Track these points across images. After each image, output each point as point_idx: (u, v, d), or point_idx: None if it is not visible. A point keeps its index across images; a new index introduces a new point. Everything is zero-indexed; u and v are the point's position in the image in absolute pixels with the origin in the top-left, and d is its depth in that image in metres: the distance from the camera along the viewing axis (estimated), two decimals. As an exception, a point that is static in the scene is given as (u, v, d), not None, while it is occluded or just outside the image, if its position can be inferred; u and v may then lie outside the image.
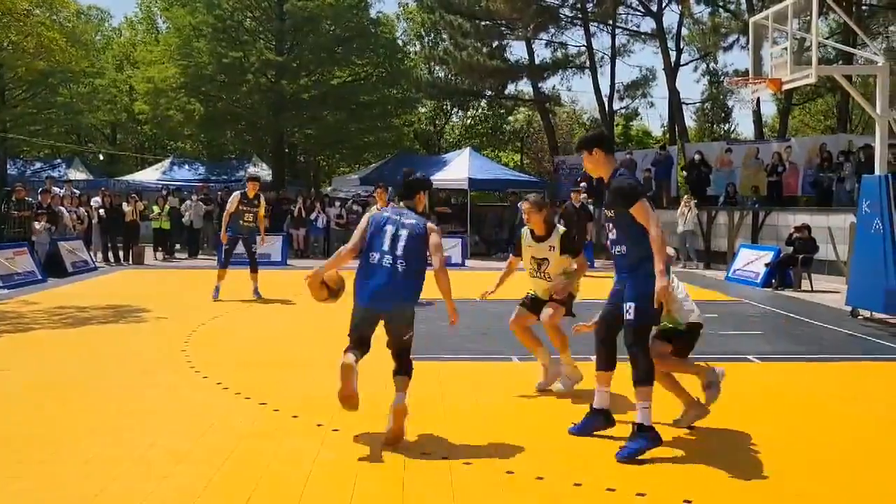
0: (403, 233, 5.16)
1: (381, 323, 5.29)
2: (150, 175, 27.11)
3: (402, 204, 5.49)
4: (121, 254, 19.13)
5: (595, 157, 5.14)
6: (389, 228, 5.18)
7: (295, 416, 5.62)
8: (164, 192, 21.91)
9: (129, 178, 27.51)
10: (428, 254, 5.27)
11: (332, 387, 6.38)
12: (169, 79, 27.09)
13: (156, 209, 20.22)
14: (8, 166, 29.95)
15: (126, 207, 19.15)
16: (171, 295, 12.90)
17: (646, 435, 4.84)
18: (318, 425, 5.41)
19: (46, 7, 14.89)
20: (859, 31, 12.83)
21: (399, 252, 5.12)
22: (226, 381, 6.65)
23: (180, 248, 21.61)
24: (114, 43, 40.90)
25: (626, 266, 5.06)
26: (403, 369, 5.26)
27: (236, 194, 12.42)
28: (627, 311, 4.96)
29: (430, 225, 5.30)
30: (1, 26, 15.12)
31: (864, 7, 21.80)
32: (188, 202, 21.20)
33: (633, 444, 4.84)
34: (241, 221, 12.26)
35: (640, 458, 4.76)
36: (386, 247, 5.13)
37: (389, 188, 12.98)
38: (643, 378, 4.93)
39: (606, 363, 5.23)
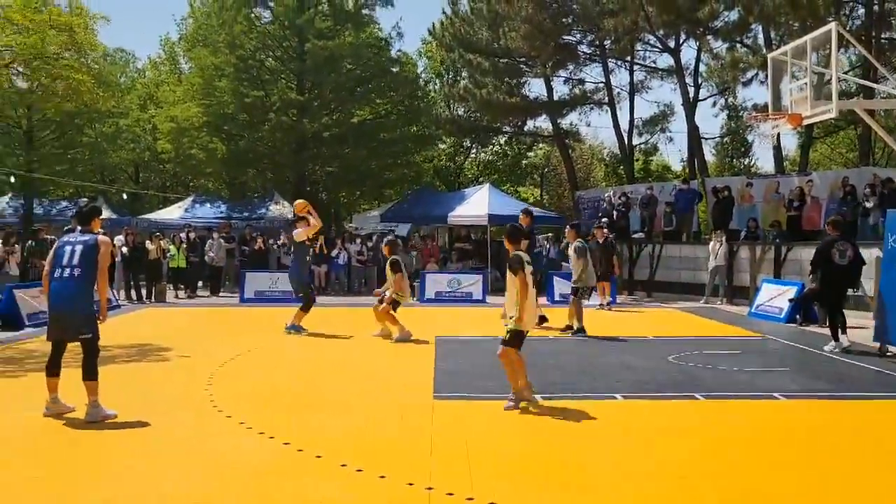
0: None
1: None
2: (172, 213, 27.39)
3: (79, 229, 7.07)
4: (143, 292, 19.27)
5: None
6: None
7: (318, 456, 5.60)
8: (187, 230, 22.11)
9: (151, 216, 27.81)
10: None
11: (354, 426, 6.40)
12: (192, 118, 27.54)
13: (172, 248, 20.33)
14: (34, 206, 30.37)
15: (149, 246, 19.34)
16: (194, 333, 12.95)
17: None
18: (342, 466, 5.38)
19: (75, 50, 15.23)
20: (879, 65, 12.83)
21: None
22: (249, 420, 6.64)
23: (202, 285, 21.74)
24: (138, 83, 41.61)
25: None
26: None
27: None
28: None
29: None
30: (32, 69, 15.44)
31: (883, 40, 21.77)
32: (210, 240, 21.38)
33: None
34: (308, 257, 13.40)
35: None
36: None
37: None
38: None
39: None
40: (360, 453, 5.64)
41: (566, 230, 13.64)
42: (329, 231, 26.97)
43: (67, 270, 6.75)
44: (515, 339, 7.20)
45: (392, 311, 12.23)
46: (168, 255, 20.16)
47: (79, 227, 7.20)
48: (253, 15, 28.26)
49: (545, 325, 13.11)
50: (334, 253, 22.03)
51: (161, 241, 19.86)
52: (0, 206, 30.77)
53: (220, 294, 21.08)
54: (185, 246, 20.76)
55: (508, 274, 7.30)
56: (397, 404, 7.35)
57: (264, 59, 28.54)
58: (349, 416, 6.81)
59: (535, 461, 5.58)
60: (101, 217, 7.53)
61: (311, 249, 13.36)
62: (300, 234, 12.78)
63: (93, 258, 6.79)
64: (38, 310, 13.90)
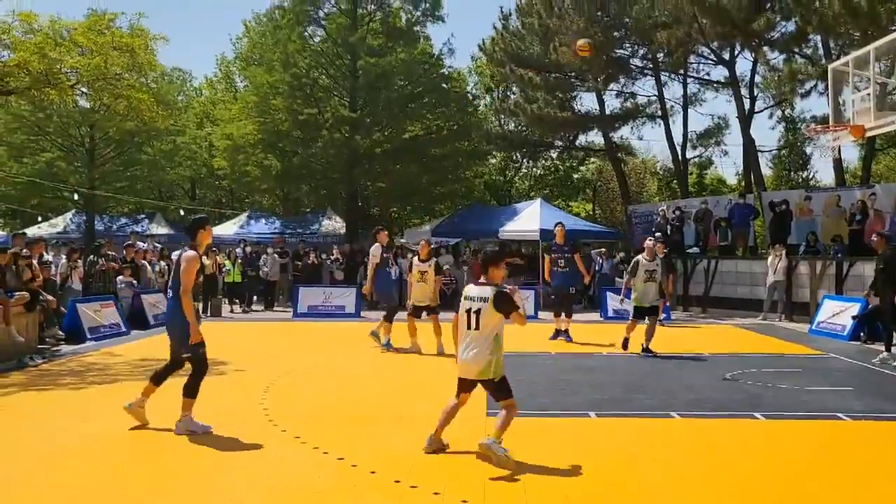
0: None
1: None
2: (228, 229, 27.90)
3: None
4: (200, 306, 19.60)
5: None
6: None
7: (373, 472, 5.59)
8: (242, 245, 22.47)
9: (208, 231, 28.32)
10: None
11: (409, 442, 6.38)
12: (247, 135, 28.06)
13: (227, 263, 20.68)
14: (95, 222, 31.25)
15: (205, 261, 19.66)
16: (249, 347, 13.11)
17: None
18: (396, 482, 5.37)
19: (136, 70, 15.65)
20: (945, 74, 12.43)
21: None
22: (304, 434, 6.68)
23: (257, 300, 22.04)
24: (194, 102, 42.60)
25: None
26: None
27: (377, 246, 12.77)
28: None
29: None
30: (95, 90, 15.90)
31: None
32: (264, 255, 21.68)
33: None
34: (387, 268, 13.11)
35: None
36: None
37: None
38: None
39: None
40: (415, 469, 5.63)
41: (647, 243, 12.56)
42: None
43: (171, 290, 6.87)
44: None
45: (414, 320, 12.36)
46: (224, 269, 20.49)
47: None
48: (306, 34, 28.71)
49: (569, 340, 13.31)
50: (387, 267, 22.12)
51: (217, 257, 20.21)
52: (63, 222, 31.71)
53: (275, 308, 21.35)
54: (240, 261, 21.08)
55: (492, 311, 5.97)
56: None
57: (317, 76, 28.94)
58: (403, 432, 6.80)
59: (591, 481, 5.49)
60: (207, 228, 7.21)
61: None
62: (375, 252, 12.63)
63: (179, 275, 6.83)
64: (100, 323, 14.28)
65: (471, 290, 6.15)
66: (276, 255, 21.88)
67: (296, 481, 5.41)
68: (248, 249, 22.14)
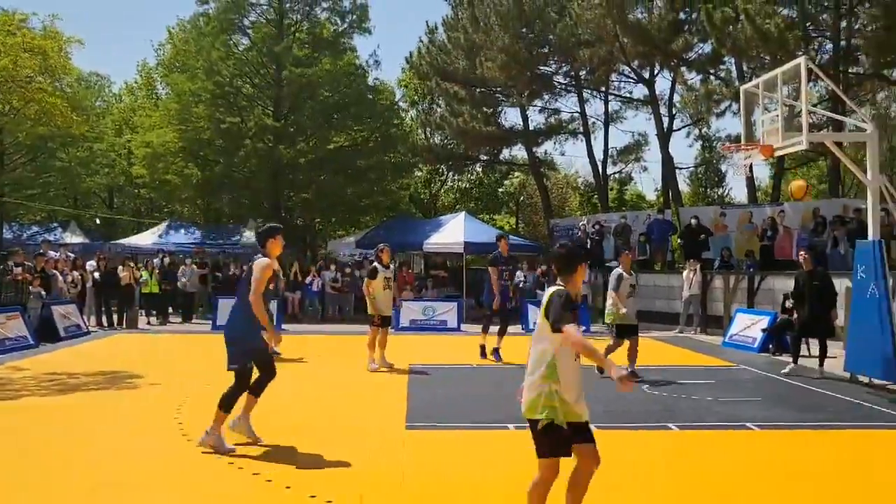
0: None
1: None
2: (146, 239, 27.15)
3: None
4: (115, 318, 19.01)
5: None
6: None
7: (288, 487, 5.50)
8: (161, 255, 21.92)
9: (125, 241, 27.53)
10: None
11: (325, 456, 6.30)
12: (167, 143, 27.41)
13: (144, 274, 20.11)
14: (4, 230, 29.98)
15: (121, 271, 19.10)
16: (165, 360, 12.75)
17: None
18: (312, 497, 5.29)
19: (49, 74, 15.11)
20: (847, 99, 13.04)
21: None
22: (218, 450, 6.53)
23: (174, 312, 21.49)
24: (113, 108, 41.44)
25: None
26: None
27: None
28: None
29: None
30: (3, 92, 15.29)
31: (850, 75, 22.22)
32: (183, 266, 21.18)
33: None
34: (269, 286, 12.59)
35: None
36: None
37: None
38: None
39: None
40: (331, 484, 5.56)
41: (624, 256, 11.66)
42: (304, 258, 26.90)
43: (237, 296, 6.85)
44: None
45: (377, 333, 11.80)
46: (141, 280, 19.90)
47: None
48: (231, 42, 28.29)
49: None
50: (308, 280, 21.93)
51: (134, 267, 19.63)
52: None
53: (193, 321, 20.84)
54: (157, 272, 20.53)
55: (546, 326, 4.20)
56: (369, 434, 7.26)
57: (241, 85, 28.53)
58: (320, 447, 6.71)
59: (506, 493, 5.52)
60: (277, 237, 7.00)
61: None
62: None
63: (245, 285, 6.73)
64: (4, 336, 13.67)
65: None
66: (194, 266, 21.40)
67: (209, 497, 5.27)
68: (167, 260, 21.59)
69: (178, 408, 8.39)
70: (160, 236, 27.00)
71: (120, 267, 19.37)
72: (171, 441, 6.89)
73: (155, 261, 21.23)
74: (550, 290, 4.27)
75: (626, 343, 11.10)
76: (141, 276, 19.87)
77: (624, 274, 11.12)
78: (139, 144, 29.85)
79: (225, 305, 19.02)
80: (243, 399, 6.79)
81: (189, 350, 14.52)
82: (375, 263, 11.91)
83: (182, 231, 28.16)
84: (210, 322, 19.11)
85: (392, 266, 12.18)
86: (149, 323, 20.00)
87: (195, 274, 21.22)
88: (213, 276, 22.27)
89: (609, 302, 11.29)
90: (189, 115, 26.94)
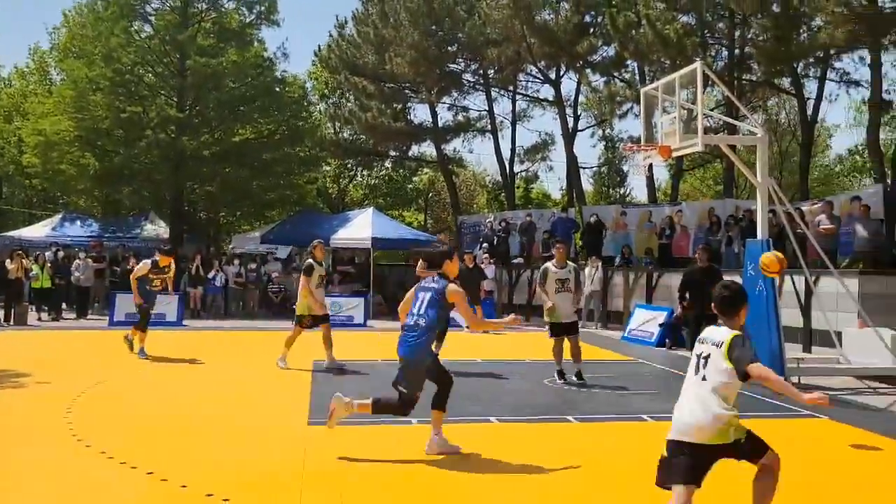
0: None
1: None
2: (38, 231, 25.94)
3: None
4: (2, 314, 18.09)
5: None
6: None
7: (184, 486, 5.36)
8: (55, 249, 21.00)
9: (14, 233, 26.22)
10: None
11: (224, 454, 6.17)
12: (62, 132, 26.20)
13: (35, 268, 19.20)
14: None
15: (9, 265, 18.17)
16: (56, 358, 12.22)
17: None
18: (208, 496, 5.17)
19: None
20: (740, 104, 13.61)
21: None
22: (110, 449, 6.29)
23: (67, 307, 20.63)
24: (2, 93, 39.45)
25: None
26: None
27: (147, 262, 12.50)
28: None
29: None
30: None
31: (744, 82, 23.23)
32: (77, 260, 20.35)
33: None
34: (147, 287, 12.40)
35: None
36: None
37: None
38: None
39: None
40: (229, 483, 5.45)
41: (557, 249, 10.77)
42: (206, 252, 26.24)
43: (419, 316, 6.48)
44: None
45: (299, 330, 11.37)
46: (31, 274, 18.99)
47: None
48: (132, 28, 27.27)
49: None
50: (211, 275, 21.43)
51: (23, 260, 18.71)
52: None
53: (88, 317, 20.06)
54: (49, 265, 19.65)
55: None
56: (270, 431, 7.16)
57: (143, 73, 27.55)
58: (218, 445, 6.58)
59: (408, 487, 5.54)
60: (454, 258, 6.80)
61: None
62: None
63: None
64: None
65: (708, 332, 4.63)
66: (89, 261, 20.58)
67: (100, 498, 5.09)
68: (61, 254, 20.70)
69: (69, 407, 8.06)
70: (54, 229, 25.85)
71: (8, 260, 18.43)
72: (60, 441, 6.61)
73: (47, 254, 20.33)
74: (723, 331, 4.50)
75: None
76: (31, 269, 18.96)
77: (551, 268, 10.32)
78: (30, 132, 28.40)
79: (124, 300, 18.40)
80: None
81: (82, 347, 13.98)
82: (310, 260, 11.62)
83: (78, 223, 27.03)
84: (107, 318, 18.43)
85: (324, 263, 12.03)
86: (39, 319, 19.17)
87: (90, 268, 20.42)
88: (112, 271, 21.47)
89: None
90: (86, 102, 25.83)
